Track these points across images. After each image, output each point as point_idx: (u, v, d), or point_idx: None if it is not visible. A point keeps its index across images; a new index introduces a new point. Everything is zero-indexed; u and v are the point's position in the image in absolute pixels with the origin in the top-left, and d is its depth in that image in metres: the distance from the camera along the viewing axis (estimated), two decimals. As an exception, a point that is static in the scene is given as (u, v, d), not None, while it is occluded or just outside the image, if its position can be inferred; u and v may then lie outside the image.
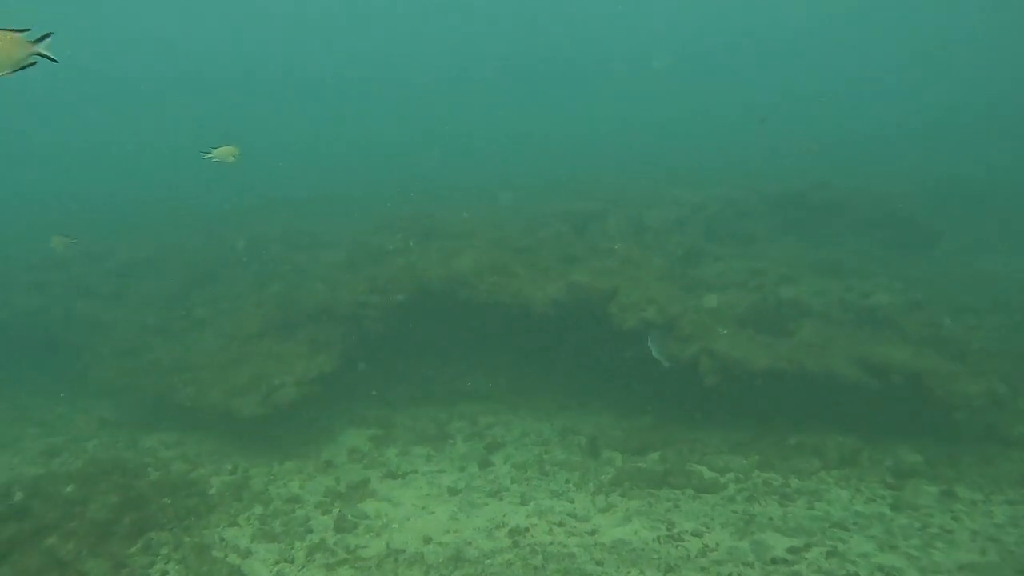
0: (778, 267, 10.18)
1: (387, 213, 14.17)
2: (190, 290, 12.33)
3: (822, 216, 13.36)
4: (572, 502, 6.85)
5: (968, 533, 6.01)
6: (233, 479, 7.57)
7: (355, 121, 40.32)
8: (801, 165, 18.13)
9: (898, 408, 7.80)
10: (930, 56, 45.29)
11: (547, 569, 5.54)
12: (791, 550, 5.74)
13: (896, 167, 18.51)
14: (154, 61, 52.23)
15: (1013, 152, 21.52)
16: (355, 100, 48.79)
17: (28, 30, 3.31)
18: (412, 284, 9.80)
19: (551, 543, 6.00)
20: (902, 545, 5.82)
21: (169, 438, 8.95)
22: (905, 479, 7.06)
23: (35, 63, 3.37)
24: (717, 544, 5.91)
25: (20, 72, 3.39)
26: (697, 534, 6.10)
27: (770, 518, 6.39)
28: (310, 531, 6.37)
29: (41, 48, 3.32)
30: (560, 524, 6.36)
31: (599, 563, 5.63)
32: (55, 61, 3.37)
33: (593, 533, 6.18)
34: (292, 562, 5.82)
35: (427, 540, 6.14)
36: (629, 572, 5.50)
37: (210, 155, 7.48)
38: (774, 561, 5.58)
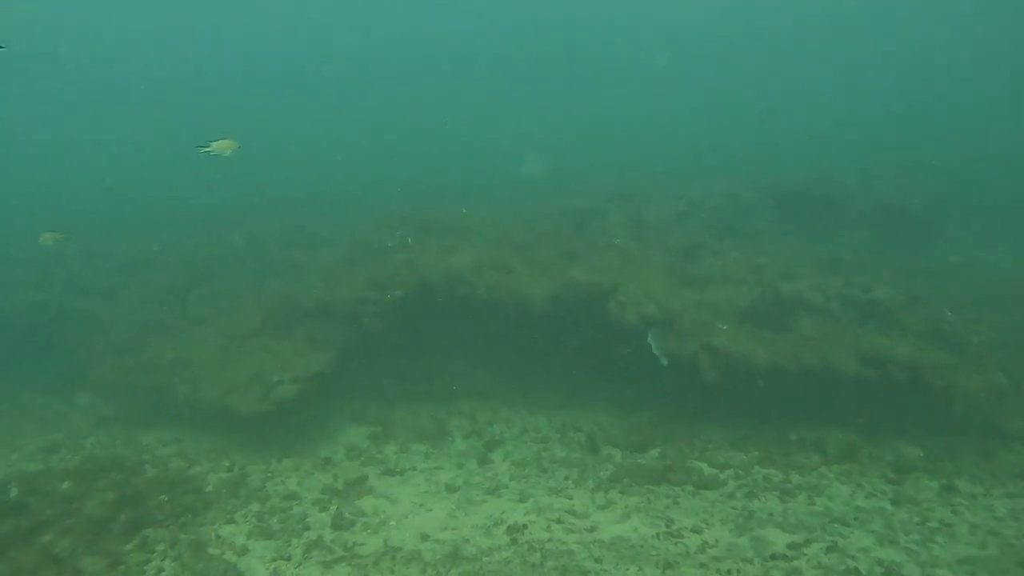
0: (778, 262, 10.14)
1: (386, 210, 14.12)
2: (189, 288, 12.30)
3: (822, 211, 13.32)
4: (571, 499, 6.81)
5: (968, 527, 5.99)
6: (230, 476, 7.54)
7: (354, 119, 40.27)
8: (801, 159, 18.06)
9: (898, 403, 7.78)
10: (925, 49, 45.19)
11: (545, 566, 5.50)
12: (791, 546, 5.70)
13: (894, 161, 18.44)
14: (154, 58, 52.22)
15: (1012, 144, 21.44)
16: (354, 98, 48.74)
17: None
18: (411, 281, 9.75)
19: (549, 540, 5.97)
20: (902, 540, 5.79)
21: (167, 435, 8.93)
22: (906, 474, 7.05)
23: None
24: (716, 540, 5.88)
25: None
26: (696, 530, 6.06)
27: (770, 514, 6.35)
28: (307, 528, 6.34)
29: None
30: (559, 521, 6.32)
31: (598, 560, 5.60)
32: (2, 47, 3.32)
33: (592, 530, 6.14)
34: (289, 559, 5.79)
35: (425, 537, 6.11)
36: (628, 569, 5.46)
37: (208, 149, 7.44)
38: (774, 557, 5.54)
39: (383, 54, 55.86)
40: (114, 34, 51.84)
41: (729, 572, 5.35)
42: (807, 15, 50.64)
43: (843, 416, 7.88)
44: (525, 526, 6.23)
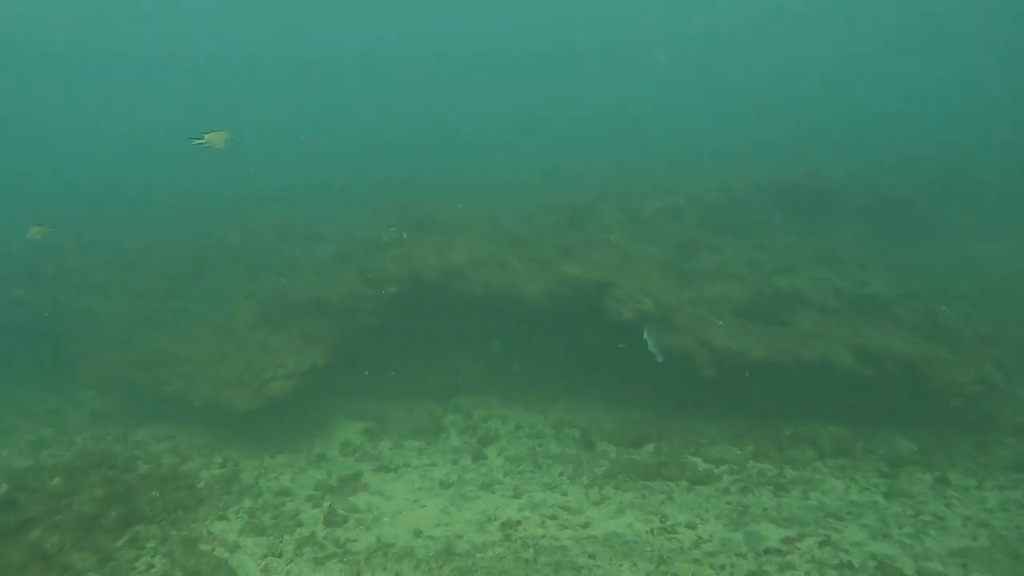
0: (774, 257, 10.11)
1: (382, 205, 14.05)
2: (182, 282, 12.21)
3: (818, 205, 13.30)
4: (565, 495, 6.78)
5: (960, 519, 6.01)
6: (223, 472, 7.50)
7: (352, 116, 40.08)
8: (797, 153, 18.03)
9: (893, 396, 7.78)
10: (919, 41, 45.20)
11: (538, 562, 5.47)
12: (785, 540, 5.68)
13: (889, 155, 18.43)
14: (153, 52, 51.95)
15: (1006, 139, 21.46)
16: (353, 96, 48.51)
17: None
18: (406, 276, 9.70)
19: (543, 536, 5.93)
20: (895, 533, 5.79)
21: (160, 431, 8.87)
22: (899, 467, 7.07)
23: None
24: (711, 535, 5.85)
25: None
26: (691, 526, 6.04)
27: (764, 509, 6.33)
28: (300, 525, 6.30)
29: None
30: (553, 517, 6.29)
31: (591, 556, 5.57)
32: None
33: (586, 526, 6.12)
34: (280, 556, 5.75)
35: (418, 534, 6.07)
36: (621, 565, 5.43)
37: (201, 141, 7.34)
38: (767, 552, 5.52)
39: (382, 53, 55.69)
40: (117, 28, 51.60)
41: (723, 567, 5.33)
42: (802, 12, 50.61)
43: (838, 410, 7.87)
44: (519, 522, 6.19)
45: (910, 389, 7.63)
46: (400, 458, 7.93)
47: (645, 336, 8.02)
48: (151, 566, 5.54)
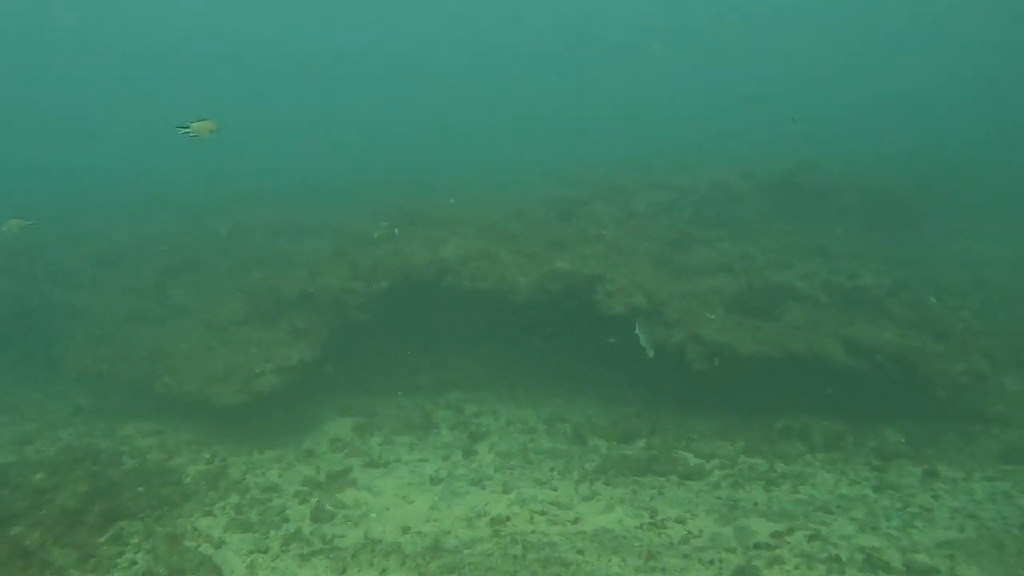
0: (766, 251, 10.10)
1: (374, 201, 13.97)
2: (172, 277, 12.09)
3: (810, 199, 13.32)
4: (555, 490, 6.74)
5: (948, 511, 6.03)
6: (210, 468, 7.41)
7: (353, 116, 39.85)
8: (789, 147, 18.04)
9: (883, 389, 7.81)
10: (917, 38, 45.31)
11: (527, 559, 5.43)
12: (774, 535, 5.66)
13: (880, 148, 18.49)
14: (153, 46, 51.49)
15: (997, 131, 21.55)
16: (354, 94, 48.25)
17: None
18: (397, 271, 9.62)
19: (532, 532, 5.89)
20: (883, 526, 5.79)
21: (147, 427, 8.77)
22: (889, 460, 7.08)
23: None
24: (700, 530, 5.82)
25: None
26: (680, 521, 6.01)
27: (755, 503, 6.31)
28: (286, 521, 6.23)
29: None
30: (542, 513, 6.25)
31: (580, 551, 5.53)
32: None
33: (575, 521, 6.07)
34: (266, 552, 5.68)
35: (406, 530, 6.02)
36: (610, 560, 5.39)
37: (188, 130, 7.23)
38: (757, 546, 5.49)
39: (383, 52, 55.44)
40: (116, 21, 51.07)
41: (712, 562, 5.30)
42: (802, 7, 50.63)
43: (829, 404, 7.87)
44: (508, 518, 6.15)
45: (900, 381, 7.66)
46: (390, 454, 7.87)
47: (636, 331, 7.98)
48: (133, 562, 5.47)
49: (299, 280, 10.08)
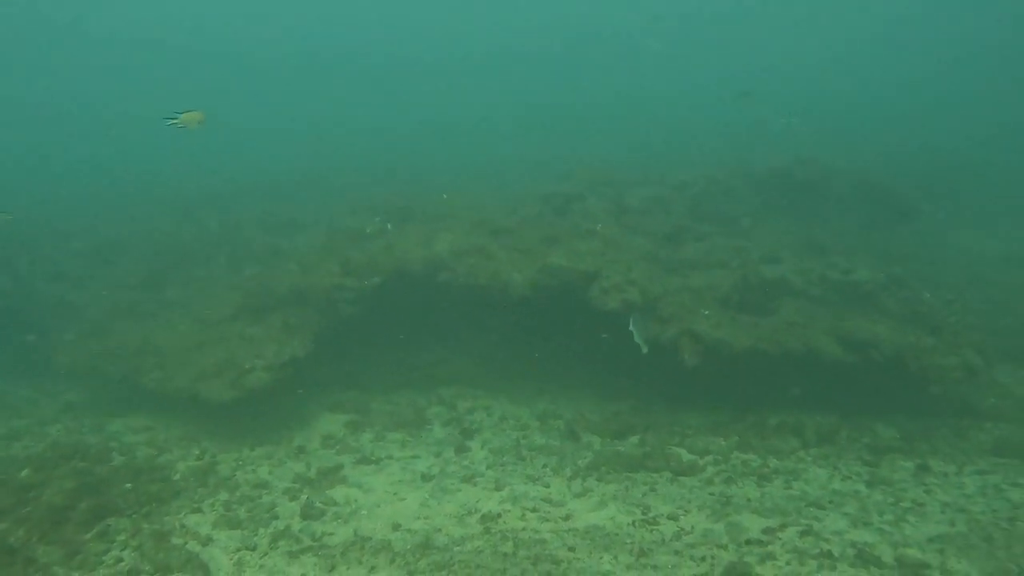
0: (761, 246, 10.06)
1: (367, 196, 13.87)
2: (163, 272, 11.99)
3: (805, 193, 13.29)
4: (548, 487, 6.70)
5: (939, 505, 6.04)
6: (200, 464, 7.35)
7: (354, 114, 39.63)
8: (784, 142, 18.01)
9: (877, 384, 7.81)
10: (903, 28, 45.31)
11: (517, 556, 5.38)
12: (766, 531, 5.64)
13: (875, 142, 18.49)
14: (151, 40, 51.13)
15: (996, 128, 21.57)
16: (349, 90, 48.01)
17: None
18: (390, 267, 9.55)
19: (523, 529, 5.85)
20: (875, 521, 5.79)
21: (137, 423, 8.69)
22: (881, 455, 7.08)
23: None
24: (692, 527, 5.79)
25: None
26: (673, 517, 5.97)
27: (747, 499, 6.29)
28: (276, 518, 6.17)
29: None
30: (534, 510, 6.21)
31: (571, 549, 5.49)
32: None
33: (567, 518, 6.03)
34: (254, 549, 5.62)
35: (396, 527, 5.96)
36: (601, 557, 5.36)
37: (175, 121, 7.11)
38: (748, 542, 5.47)
39: (384, 50, 55.22)
40: (116, 13, 50.67)
41: (703, 559, 5.27)
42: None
43: (822, 399, 7.86)
44: (499, 515, 6.10)
45: (893, 376, 7.65)
46: (382, 450, 7.81)
47: (631, 327, 7.93)
48: (120, 560, 5.40)
49: (291, 275, 10.01)
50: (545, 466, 7.23)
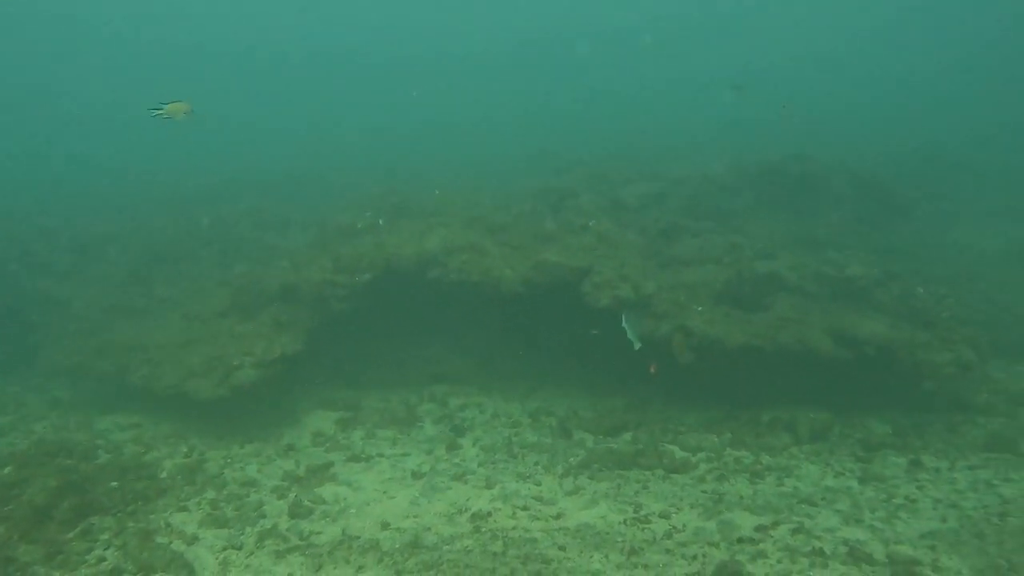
0: (755, 242, 10.00)
1: (360, 192, 13.76)
2: (152, 268, 11.87)
3: (799, 189, 13.25)
4: (539, 485, 6.64)
5: (931, 501, 6.02)
6: (187, 462, 7.26)
7: (347, 110, 39.44)
8: (778, 136, 17.97)
9: (870, 380, 7.78)
10: (903, 28, 45.34)
11: (507, 555, 5.32)
12: (758, 528, 5.59)
13: (872, 139, 18.49)
14: (151, 38, 50.81)
15: (991, 125, 21.60)
16: (348, 89, 47.79)
17: None
18: (381, 263, 9.46)
19: (514, 528, 5.78)
20: (867, 518, 5.75)
21: (125, 420, 8.60)
22: (874, 451, 7.06)
23: None
24: (684, 525, 5.74)
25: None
26: (665, 515, 5.92)
27: (740, 497, 6.24)
28: (263, 516, 6.09)
29: None
30: (524, 508, 6.14)
31: (561, 548, 5.42)
32: None
33: (558, 517, 5.97)
34: (240, 549, 5.54)
35: (385, 526, 5.89)
36: (592, 556, 5.30)
37: (161, 111, 6.98)
38: (740, 540, 5.41)
39: (384, 50, 54.98)
40: (116, 7, 50.28)
41: (694, 557, 5.22)
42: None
43: (816, 395, 7.82)
44: (489, 513, 6.04)
45: (887, 372, 7.62)
46: (372, 448, 7.74)
47: (623, 323, 7.86)
48: (102, 559, 5.32)
49: (282, 272, 9.91)
50: (537, 464, 7.16)
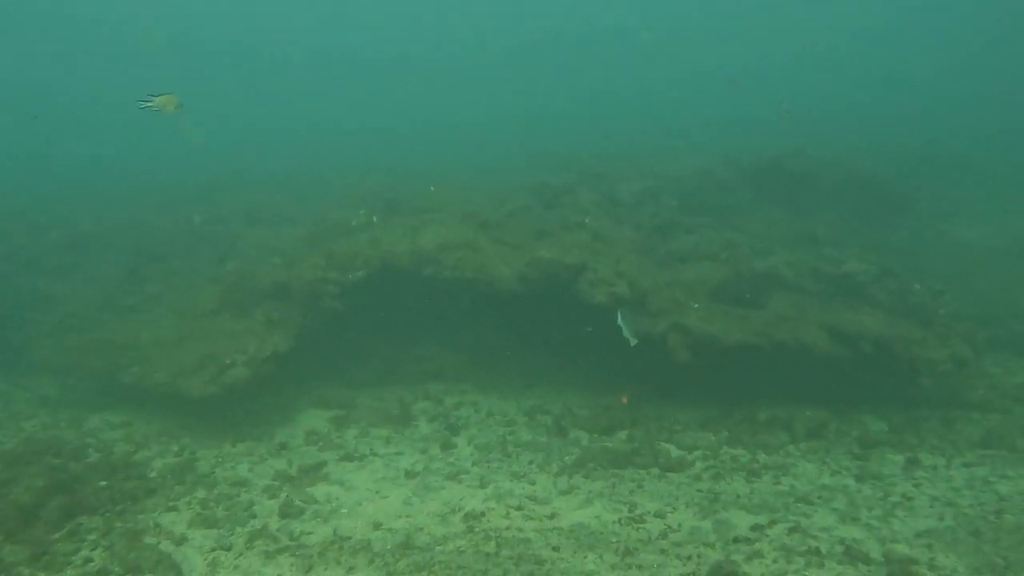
0: (752, 239, 9.94)
1: (353, 189, 13.67)
2: (144, 265, 11.75)
3: (796, 186, 13.20)
4: (533, 484, 6.57)
5: (927, 499, 5.98)
6: (178, 461, 7.17)
7: (347, 108, 39.25)
8: (775, 133, 17.92)
9: (866, 377, 7.74)
10: (899, 25, 45.36)
11: (500, 556, 5.25)
12: (754, 528, 5.53)
13: (871, 137, 18.44)
14: (144, 28, 50.53)
15: (990, 124, 21.59)
16: (349, 87, 47.59)
17: None
18: (375, 260, 9.37)
19: (507, 528, 5.71)
20: (864, 516, 5.71)
21: (116, 418, 8.49)
22: (871, 449, 7.02)
23: None
24: (679, 524, 5.68)
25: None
26: (660, 515, 5.86)
27: (736, 496, 6.18)
28: (253, 516, 6.02)
29: None
30: (518, 508, 6.07)
31: (555, 548, 5.36)
32: None
33: (552, 517, 5.91)
34: (229, 549, 5.46)
35: (377, 526, 5.82)
36: (586, 557, 5.23)
37: (150, 104, 6.87)
38: (736, 540, 5.36)
39: (385, 49, 54.81)
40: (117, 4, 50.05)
41: (689, 557, 5.16)
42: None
43: (813, 393, 7.77)
44: (483, 513, 5.97)
45: (883, 369, 7.58)
46: (366, 447, 7.66)
47: (619, 321, 7.79)
48: (89, 560, 5.23)
49: (274, 269, 9.81)
50: (531, 463, 7.10)
